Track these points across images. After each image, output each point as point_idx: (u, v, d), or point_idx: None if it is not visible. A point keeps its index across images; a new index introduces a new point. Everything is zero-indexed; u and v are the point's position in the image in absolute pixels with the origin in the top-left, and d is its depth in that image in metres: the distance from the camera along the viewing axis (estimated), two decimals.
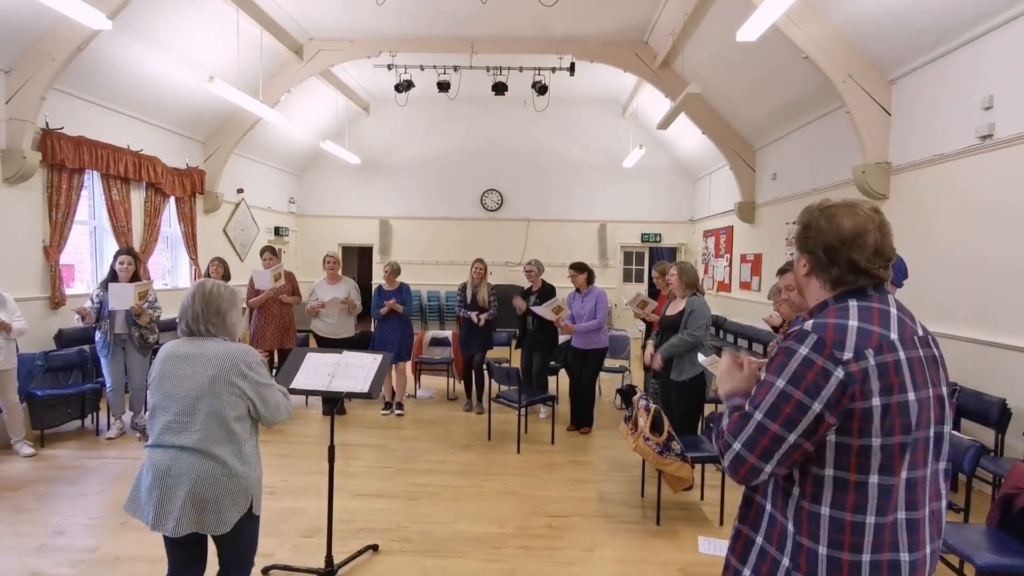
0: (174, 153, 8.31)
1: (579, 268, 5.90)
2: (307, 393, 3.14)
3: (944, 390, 1.36)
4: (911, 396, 1.28)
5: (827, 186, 6.81)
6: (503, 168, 12.54)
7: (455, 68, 9.12)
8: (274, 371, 5.56)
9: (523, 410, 5.40)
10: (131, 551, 3.32)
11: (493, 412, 5.70)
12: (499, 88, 9.26)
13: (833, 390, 1.25)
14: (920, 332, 1.36)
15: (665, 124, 8.22)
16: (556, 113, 11.43)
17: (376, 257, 12.76)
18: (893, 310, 1.36)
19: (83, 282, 7.22)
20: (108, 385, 5.29)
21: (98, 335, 5.26)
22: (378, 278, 11.95)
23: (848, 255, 1.35)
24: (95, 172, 6.94)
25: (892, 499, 1.28)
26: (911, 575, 1.29)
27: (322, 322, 6.19)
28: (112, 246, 7.30)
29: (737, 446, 1.33)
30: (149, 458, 2.15)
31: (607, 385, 7.48)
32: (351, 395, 2.92)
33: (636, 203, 12.50)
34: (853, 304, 1.35)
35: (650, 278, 12.80)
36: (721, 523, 3.83)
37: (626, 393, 5.51)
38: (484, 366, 6.11)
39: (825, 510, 1.30)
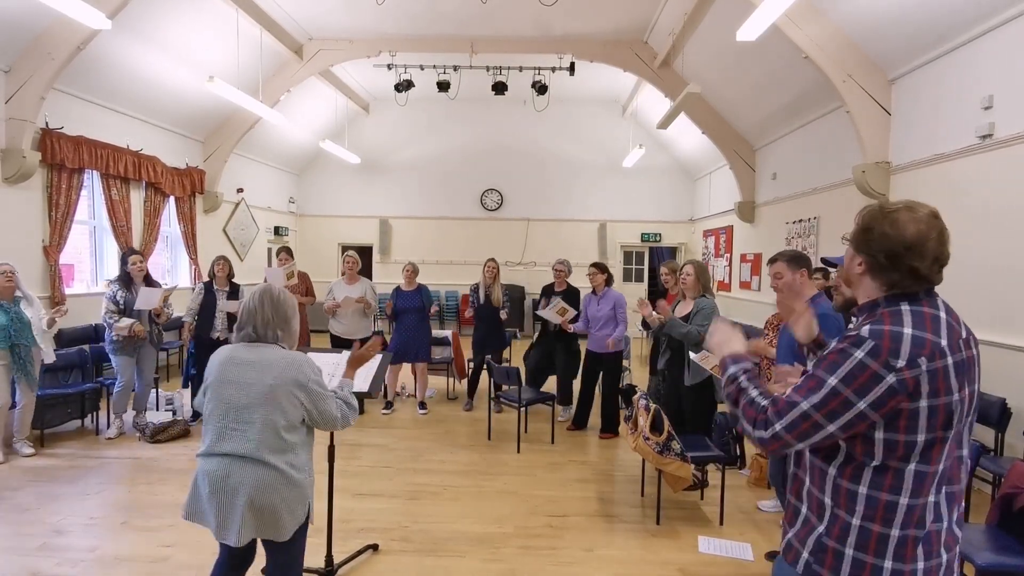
0: (174, 153, 8.31)
1: (601, 268, 5.72)
2: None
3: (977, 386, 1.45)
4: (955, 396, 1.35)
5: (827, 186, 6.82)
6: (503, 168, 12.54)
7: (455, 68, 9.12)
8: None
9: (523, 410, 5.40)
10: (131, 551, 3.32)
11: (493, 412, 5.69)
12: (499, 88, 9.26)
13: (882, 393, 1.33)
14: (964, 334, 1.43)
15: (665, 124, 8.21)
16: (556, 113, 11.44)
17: (376, 257, 12.76)
18: (943, 314, 1.42)
19: (83, 282, 7.22)
20: (120, 383, 5.29)
21: (108, 333, 5.28)
22: (378, 278, 11.97)
23: (909, 262, 1.41)
24: (95, 172, 6.94)
25: (926, 484, 1.37)
26: (937, 546, 1.38)
27: (338, 323, 6.11)
28: (112, 246, 7.31)
29: (779, 426, 1.40)
30: (203, 466, 2.12)
31: None
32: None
33: (636, 203, 12.49)
34: (906, 309, 1.41)
35: (650, 278, 12.83)
36: (721, 523, 3.83)
37: (626, 393, 5.51)
38: (484, 365, 6.09)
39: (863, 489, 1.39)
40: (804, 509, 1.51)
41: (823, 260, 1.97)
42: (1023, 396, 4.11)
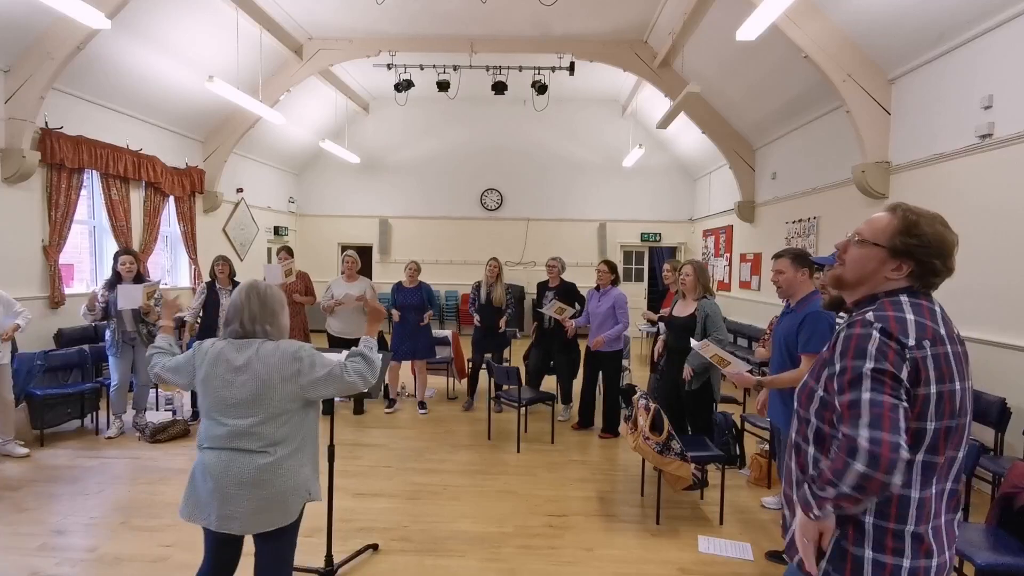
0: (173, 152, 8.31)
1: (611, 268, 5.69)
2: None
3: (970, 383, 1.48)
4: (957, 385, 1.40)
5: (827, 185, 6.82)
6: (502, 168, 12.54)
7: (455, 68, 9.11)
8: None
9: (523, 409, 5.40)
10: (131, 551, 3.32)
11: (493, 411, 5.69)
12: (499, 88, 9.26)
13: (909, 370, 1.35)
14: (955, 332, 1.47)
15: (665, 123, 8.22)
16: (556, 113, 11.44)
17: (376, 256, 12.75)
18: (938, 309, 1.48)
19: (82, 281, 7.21)
20: (114, 383, 5.29)
21: (108, 333, 5.30)
22: (378, 278, 11.96)
23: (950, 260, 1.48)
24: (94, 171, 6.94)
25: (933, 474, 1.41)
26: (943, 542, 1.41)
27: (336, 321, 6.05)
28: (111, 246, 7.30)
29: (864, 433, 1.29)
30: (204, 460, 2.12)
31: None
32: (349, 395, 2.91)
33: (636, 202, 12.49)
34: (905, 300, 1.46)
35: (651, 277, 12.84)
36: (721, 522, 3.83)
37: (626, 392, 5.51)
38: (484, 365, 6.09)
39: None
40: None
41: (811, 260, 1.99)
42: (1023, 396, 4.11)
